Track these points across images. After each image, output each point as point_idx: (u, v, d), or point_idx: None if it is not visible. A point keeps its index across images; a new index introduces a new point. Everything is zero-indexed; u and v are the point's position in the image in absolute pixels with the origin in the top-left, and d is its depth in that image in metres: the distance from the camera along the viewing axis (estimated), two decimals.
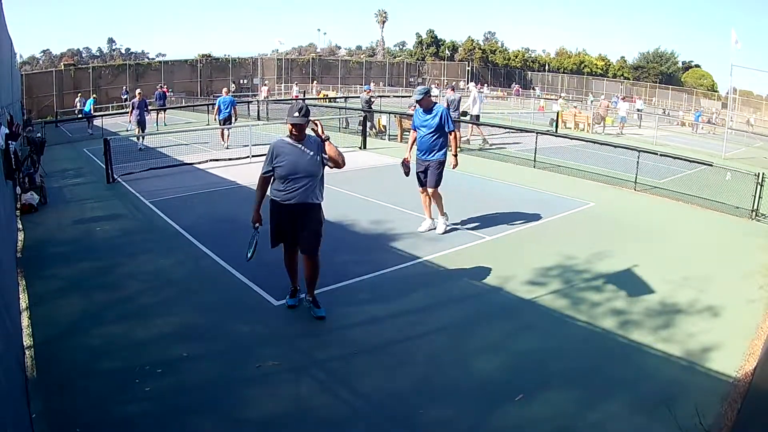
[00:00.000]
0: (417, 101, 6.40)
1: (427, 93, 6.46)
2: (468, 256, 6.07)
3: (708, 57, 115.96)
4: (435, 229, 6.80)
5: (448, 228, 6.82)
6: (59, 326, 4.32)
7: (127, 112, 18.08)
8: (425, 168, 6.54)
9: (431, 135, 6.39)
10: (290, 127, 4.28)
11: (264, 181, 4.36)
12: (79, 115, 21.70)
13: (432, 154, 6.44)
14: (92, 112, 20.14)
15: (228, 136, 14.45)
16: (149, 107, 17.36)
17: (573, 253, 6.13)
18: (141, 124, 14.87)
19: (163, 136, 14.75)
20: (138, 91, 16.89)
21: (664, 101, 46.27)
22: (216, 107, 15.06)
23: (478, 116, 15.76)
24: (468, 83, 49.38)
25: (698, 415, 3.16)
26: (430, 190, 6.58)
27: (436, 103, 6.49)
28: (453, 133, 6.49)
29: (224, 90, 15.73)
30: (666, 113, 36.16)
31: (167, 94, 31.33)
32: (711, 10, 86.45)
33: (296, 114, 4.24)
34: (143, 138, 14.22)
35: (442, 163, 6.52)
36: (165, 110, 21.66)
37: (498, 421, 3.24)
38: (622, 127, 22.72)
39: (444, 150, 6.50)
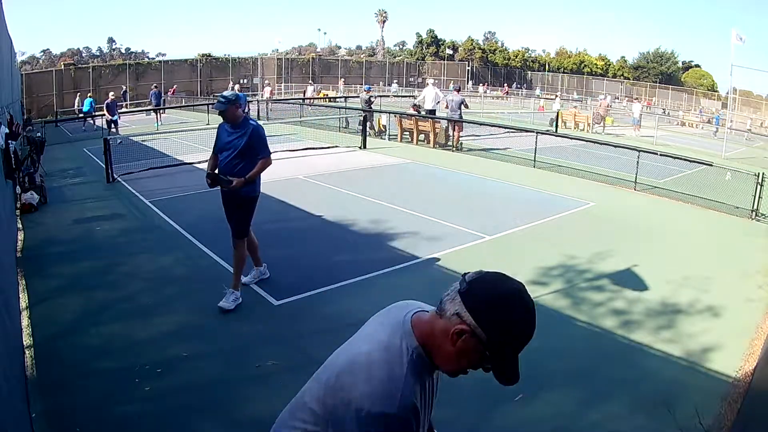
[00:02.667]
0: (219, 112, 4.56)
1: (233, 102, 4.53)
2: (468, 256, 6.07)
3: (708, 57, 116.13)
4: (266, 275, 5.23)
5: (239, 301, 4.69)
6: (59, 326, 4.32)
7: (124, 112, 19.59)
8: (229, 206, 4.75)
9: (237, 162, 4.57)
10: None
11: None
12: (80, 115, 22.09)
13: (238, 189, 4.60)
14: (92, 111, 20.80)
15: None
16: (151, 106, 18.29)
17: (573, 253, 6.13)
18: (112, 123, 16.56)
19: (164, 136, 14.76)
20: (111, 93, 18.05)
21: (664, 101, 46.30)
22: None
23: (433, 111, 15.59)
24: (470, 83, 49.52)
25: (698, 415, 3.16)
26: (233, 241, 4.75)
27: (247, 117, 4.74)
28: (264, 161, 4.65)
29: (236, 87, 16.22)
30: (666, 113, 36.21)
31: (174, 94, 31.62)
32: (711, 10, 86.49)
33: None
34: (114, 133, 15.54)
35: (250, 201, 4.73)
36: (160, 110, 21.99)
37: (498, 421, 3.24)
38: (637, 128, 22.38)
39: (256, 184, 4.71)
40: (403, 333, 1.31)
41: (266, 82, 34.26)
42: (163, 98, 28.51)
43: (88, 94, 22.37)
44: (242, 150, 4.57)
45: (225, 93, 4.75)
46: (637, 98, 37.56)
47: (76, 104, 27.24)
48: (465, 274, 1.33)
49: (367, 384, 1.21)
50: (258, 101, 24.04)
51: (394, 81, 48.14)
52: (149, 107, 23.56)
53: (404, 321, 1.34)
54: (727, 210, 8.50)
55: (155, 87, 23.99)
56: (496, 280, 1.29)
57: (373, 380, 1.21)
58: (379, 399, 1.19)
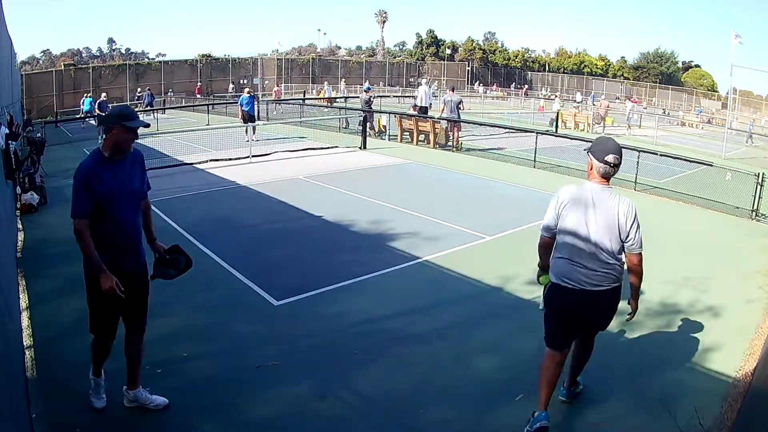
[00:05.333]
0: (134, 133, 3.00)
1: (124, 116, 2.98)
2: (468, 256, 6.07)
3: (708, 57, 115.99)
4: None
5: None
6: (59, 326, 4.32)
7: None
8: (135, 283, 3.03)
9: (138, 214, 3.09)
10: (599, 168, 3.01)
11: (546, 244, 3.13)
12: (80, 115, 22.62)
13: (142, 255, 3.10)
14: (92, 110, 21.69)
15: (252, 130, 14.45)
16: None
17: None
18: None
19: (164, 136, 14.76)
20: (103, 94, 18.50)
21: (664, 101, 46.29)
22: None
23: (425, 108, 16.14)
24: (472, 83, 49.48)
25: (698, 415, 3.16)
26: (140, 337, 3.20)
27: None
28: (147, 203, 3.20)
29: (246, 90, 16.36)
30: (666, 113, 36.22)
31: (200, 93, 32.83)
32: (711, 10, 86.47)
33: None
34: (104, 133, 15.55)
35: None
36: (153, 111, 23.04)
37: (498, 421, 3.24)
38: (628, 128, 23.08)
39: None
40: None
41: (266, 82, 34.36)
42: (163, 98, 29.02)
43: (87, 94, 22.99)
44: (143, 191, 3.14)
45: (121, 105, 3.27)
46: (628, 97, 37.96)
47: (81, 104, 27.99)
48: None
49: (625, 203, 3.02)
50: (258, 101, 24.07)
51: (449, 88, 47.05)
52: (147, 108, 24.35)
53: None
54: (727, 210, 8.50)
55: (149, 89, 26.97)
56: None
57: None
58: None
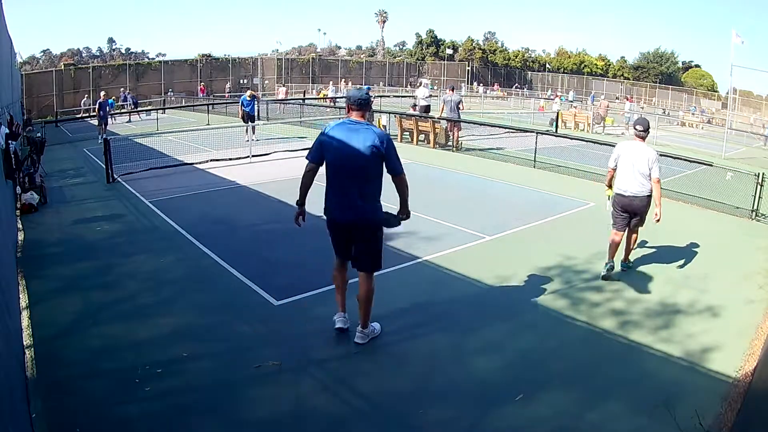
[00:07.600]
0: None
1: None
2: (468, 256, 6.07)
3: (708, 57, 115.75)
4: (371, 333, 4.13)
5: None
6: (59, 326, 4.32)
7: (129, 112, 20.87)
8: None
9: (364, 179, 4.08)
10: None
11: (611, 174, 5.73)
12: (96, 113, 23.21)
13: (362, 212, 4.16)
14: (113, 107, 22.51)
15: (252, 130, 14.67)
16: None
17: (573, 253, 6.13)
18: (102, 121, 17.02)
19: (164, 136, 14.76)
20: (102, 93, 18.62)
21: (664, 101, 46.29)
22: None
23: (427, 106, 16.43)
24: (471, 83, 49.45)
25: (698, 415, 3.16)
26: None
27: (364, 122, 4.12)
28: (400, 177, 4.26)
29: (248, 92, 16.34)
30: (666, 113, 36.22)
31: (204, 92, 33.50)
32: (711, 10, 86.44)
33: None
34: (103, 133, 15.95)
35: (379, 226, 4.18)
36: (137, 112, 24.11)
37: (498, 421, 3.24)
38: (627, 127, 23.13)
39: (376, 203, 4.22)
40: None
41: (266, 82, 34.35)
42: (162, 98, 29.19)
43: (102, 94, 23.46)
44: (376, 164, 4.42)
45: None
46: (626, 97, 38.15)
47: (83, 104, 28.05)
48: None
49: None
50: (258, 101, 24.04)
51: (449, 88, 46.28)
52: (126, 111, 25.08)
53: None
54: (727, 210, 8.50)
55: (123, 90, 29.22)
56: None
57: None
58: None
